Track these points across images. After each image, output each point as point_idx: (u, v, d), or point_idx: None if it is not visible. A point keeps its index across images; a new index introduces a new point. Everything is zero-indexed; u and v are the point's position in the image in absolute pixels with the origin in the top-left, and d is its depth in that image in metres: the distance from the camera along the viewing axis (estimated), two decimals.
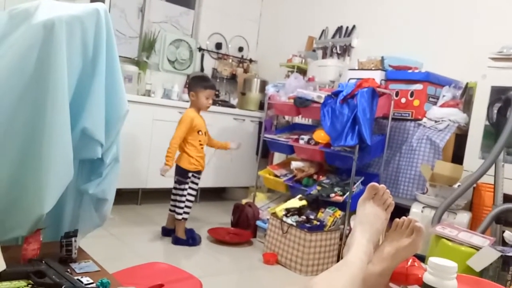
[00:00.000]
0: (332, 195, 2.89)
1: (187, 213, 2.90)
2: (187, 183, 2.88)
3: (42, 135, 1.16)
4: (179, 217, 2.86)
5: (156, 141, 3.55)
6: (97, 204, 1.43)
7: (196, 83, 2.91)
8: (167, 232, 2.94)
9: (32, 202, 1.19)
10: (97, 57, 1.27)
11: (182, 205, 2.87)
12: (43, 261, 1.10)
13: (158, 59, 4.20)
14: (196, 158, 2.86)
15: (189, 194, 2.90)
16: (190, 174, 2.87)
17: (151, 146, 3.57)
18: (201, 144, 2.89)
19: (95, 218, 1.45)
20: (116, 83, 1.35)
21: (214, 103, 4.04)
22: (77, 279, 1.09)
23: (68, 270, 1.14)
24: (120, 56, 1.40)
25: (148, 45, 4.07)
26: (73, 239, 1.22)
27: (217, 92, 4.52)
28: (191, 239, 2.84)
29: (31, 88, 1.16)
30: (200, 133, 2.88)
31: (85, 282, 1.09)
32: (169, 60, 4.27)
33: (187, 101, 3.98)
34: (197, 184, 2.94)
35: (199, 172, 2.92)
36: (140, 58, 4.03)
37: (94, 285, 1.08)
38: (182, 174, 2.86)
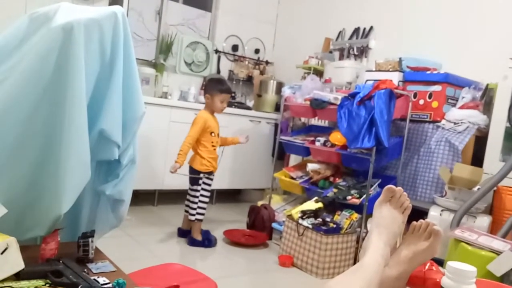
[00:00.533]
0: (349, 197, 2.87)
1: (201, 214, 2.91)
2: (200, 184, 2.89)
3: (61, 136, 1.18)
4: (192, 218, 2.88)
5: (172, 142, 3.58)
6: (114, 205, 1.44)
7: (212, 85, 2.92)
8: (183, 233, 2.96)
9: (50, 203, 1.21)
10: (114, 59, 1.29)
11: (195, 206, 2.88)
12: (61, 261, 1.11)
13: (175, 61, 4.24)
14: (208, 159, 2.87)
15: (202, 195, 2.90)
16: (202, 175, 2.88)
17: (168, 148, 3.60)
18: (213, 146, 2.90)
19: (112, 219, 1.47)
20: (133, 85, 1.36)
21: (230, 105, 4.05)
22: (94, 279, 1.10)
23: (85, 270, 1.16)
24: (137, 59, 1.41)
25: (165, 48, 4.10)
26: (90, 239, 1.23)
27: (233, 94, 4.53)
28: (207, 241, 2.84)
29: (50, 90, 1.19)
30: (212, 134, 2.89)
31: (101, 282, 1.10)
32: (185, 62, 4.30)
33: (204, 103, 4.00)
34: (209, 185, 2.93)
35: (211, 173, 2.92)
36: (157, 61, 4.07)
37: (110, 285, 1.09)
38: (193, 175, 2.88)
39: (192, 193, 2.90)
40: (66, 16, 1.21)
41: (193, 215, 2.88)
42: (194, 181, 2.89)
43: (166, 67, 4.12)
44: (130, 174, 1.43)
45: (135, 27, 4.01)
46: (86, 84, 1.22)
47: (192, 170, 2.87)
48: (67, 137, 1.18)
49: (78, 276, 1.06)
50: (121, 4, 3.78)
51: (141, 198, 3.70)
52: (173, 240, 2.93)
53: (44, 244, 1.15)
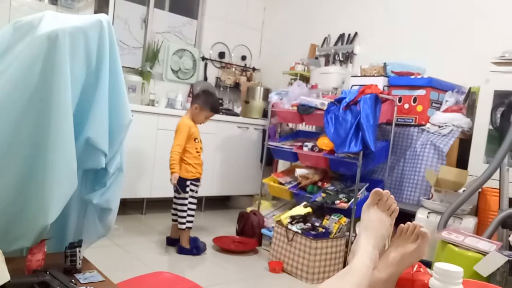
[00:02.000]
0: (337, 202, 2.88)
1: (191, 221, 2.88)
2: (187, 192, 2.86)
3: (46, 145, 1.17)
4: (183, 226, 2.85)
5: (160, 150, 3.56)
6: (101, 214, 1.43)
7: (205, 100, 2.92)
8: (171, 242, 2.94)
9: (36, 213, 1.19)
10: (100, 67, 1.29)
11: (184, 214, 2.86)
12: (48, 272, 1.10)
13: (161, 69, 4.23)
14: (193, 165, 2.87)
15: (190, 202, 2.88)
16: (188, 183, 2.86)
17: (155, 156, 3.58)
18: (198, 152, 2.91)
19: (100, 228, 1.45)
20: (119, 93, 1.36)
21: (218, 112, 4.05)
22: None
23: (73, 280, 1.14)
24: (123, 67, 1.41)
25: (151, 55, 4.10)
26: (77, 249, 1.22)
27: (220, 101, 4.54)
28: (195, 249, 2.83)
29: (36, 99, 1.18)
30: (196, 140, 2.90)
31: None
32: (172, 70, 4.30)
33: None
34: (196, 192, 2.93)
35: (197, 180, 2.91)
36: (143, 68, 4.06)
37: None
38: (180, 183, 2.83)
39: (180, 201, 2.87)
40: (51, 25, 1.20)
41: (183, 223, 2.85)
42: (181, 189, 2.86)
43: (153, 74, 4.11)
44: (118, 183, 1.42)
45: (121, 35, 4.00)
46: (72, 92, 1.21)
47: (179, 179, 2.84)
48: (53, 146, 1.17)
49: (66, 287, 1.05)
50: (107, 12, 3.77)
51: (129, 206, 3.67)
52: (162, 248, 2.90)
53: (31, 255, 1.14)
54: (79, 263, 1.22)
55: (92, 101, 1.28)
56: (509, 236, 1.70)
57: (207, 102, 2.91)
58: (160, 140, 3.59)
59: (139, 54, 4.16)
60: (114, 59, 1.33)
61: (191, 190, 2.88)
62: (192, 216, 2.90)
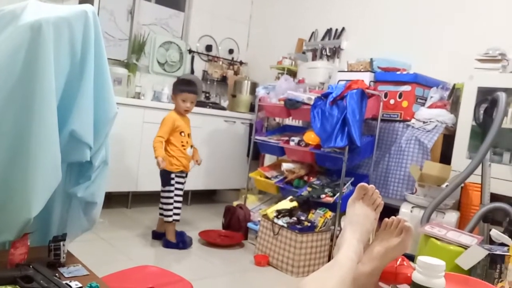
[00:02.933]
0: (323, 196, 2.90)
1: (177, 214, 2.88)
2: (172, 185, 2.85)
3: (29, 137, 1.15)
4: (169, 219, 2.84)
5: (146, 143, 3.53)
6: (86, 208, 1.42)
7: (174, 86, 2.92)
8: (157, 235, 2.92)
9: (19, 206, 1.17)
10: (85, 59, 1.27)
11: (170, 207, 2.85)
12: (31, 266, 1.08)
13: (148, 61, 4.19)
14: (178, 158, 2.85)
15: (176, 195, 2.87)
16: (173, 175, 2.85)
17: (141, 149, 3.55)
18: (183, 145, 2.87)
19: (84, 221, 1.44)
20: (104, 85, 1.34)
21: (205, 105, 4.04)
22: (66, 283, 1.08)
23: (57, 274, 1.13)
24: (109, 59, 1.39)
25: (137, 48, 4.05)
26: (61, 243, 1.21)
27: (207, 94, 4.52)
28: (182, 243, 2.82)
29: (18, 90, 1.15)
30: (182, 134, 2.87)
31: (74, 286, 1.08)
32: (159, 63, 4.26)
33: None
34: (182, 184, 2.91)
35: (182, 173, 2.89)
36: (129, 61, 4.01)
37: None
38: (165, 176, 2.84)
39: (166, 194, 2.86)
40: (34, 14, 1.18)
41: (170, 216, 2.84)
42: (166, 181, 2.85)
43: (139, 67, 4.07)
44: (103, 176, 1.40)
45: (107, 27, 3.94)
46: (56, 84, 1.19)
47: (163, 171, 2.84)
48: (37, 138, 1.15)
49: (49, 281, 1.04)
50: (92, 3, 3.71)
51: (114, 200, 3.64)
52: (148, 242, 2.89)
53: (13, 249, 1.12)
54: (63, 257, 1.21)
55: (76, 93, 1.26)
56: (490, 230, 1.74)
57: (176, 86, 2.91)
58: (146, 133, 3.56)
59: (124, 46, 4.11)
60: (99, 51, 1.31)
61: (177, 182, 2.87)
62: (179, 209, 2.89)
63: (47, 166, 1.18)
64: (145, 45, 4.10)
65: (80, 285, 1.09)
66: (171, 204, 2.85)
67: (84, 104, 1.27)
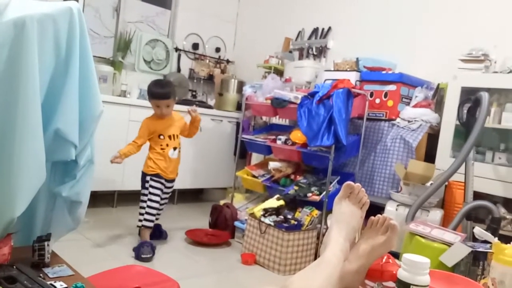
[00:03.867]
0: (309, 194, 2.92)
1: (148, 220, 2.72)
2: (146, 188, 2.73)
3: (13, 136, 1.13)
4: (139, 223, 2.72)
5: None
6: (71, 207, 1.40)
7: (147, 90, 2.81)
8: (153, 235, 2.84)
9: (2, 206, 1.15)
10: (70, 56, 1.25)
11: (142, 211, 2.72)
12: (14, 266, 1.07)
13: (133, 59, 4.15)
14: (154, 160, 2.74)
15: (149, 200, 2.72)
16: (148, 178, 2.73)
17: None
18: (162, 148, 2.76)
19: (69, 221, 1.42)
20: (90, 83, 1.33)
21: (191, 103, 4.01)
22: (50, 284, 1.06)
23: (41, 275, 1.12)
24: (94, 56, 1.38)
25: (123, 45, 4.01)
26: (46, 243, 1.19)
27: (194, 93, 4.49)
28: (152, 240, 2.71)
29: (2, 87, 1.13)
30: (161, 137, 2.76)
31: (58, 286, 1.07)
32: (145, 60, 4.23)
33: None
34: (158, 189, 2.74)
35: (159, 177, 2.74)
36: (115, 58, 3.97)
37: None
38: (141, 178, 2.78)
39: (141, 197, 2.76)
40: (18, 11, 1.16)
41: (140, 220, 2.73)
42: (141, 183, 2.78)
43: (125, 65, 4.03)
44: (88, 175, 1.39)
45: (92, 24, 3.89)
46: (41, 82, 1.17)
47: (141, 173, 2.78)
48: (21, 137, 1.14)
49: (34, 282, 1.03)
50: (77, 0, 3.65)
51: (99, 199, 3.60)
52: (134, 242, 2.86)
53: None
54: (48, 257, 1.20)
55: (61, 91, 1.24)
56: (473, 227, 1.77)
57: (148, 92, 2.80)
58: (131, 131, 3.50)
59: (110, 44, 4.06)
60: (84, 48, 1.30)
61: (151, 186, 2.73)
62: (152, 214, 2.73)
63: (31, 165, 1.16)
64: (131, 42, 4.07)
65: (65, 285, 1.07)
66: (144, 208, 2.73)
67: (69, 102, 1.26)
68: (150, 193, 2.74)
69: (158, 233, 2.87)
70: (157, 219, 2.83)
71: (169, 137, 2.80)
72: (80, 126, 1.29)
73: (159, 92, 2.74)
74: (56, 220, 1.40)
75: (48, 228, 1.39)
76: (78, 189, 1.36)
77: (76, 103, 1.28)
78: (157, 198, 2.76)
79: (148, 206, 2.73)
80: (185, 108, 3.78)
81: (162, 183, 2.77)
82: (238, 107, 4.21)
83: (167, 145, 2.79)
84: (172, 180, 2.87)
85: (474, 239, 2.02)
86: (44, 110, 1.19)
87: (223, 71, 4.67)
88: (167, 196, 2.90)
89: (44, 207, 1.39)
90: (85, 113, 1.31)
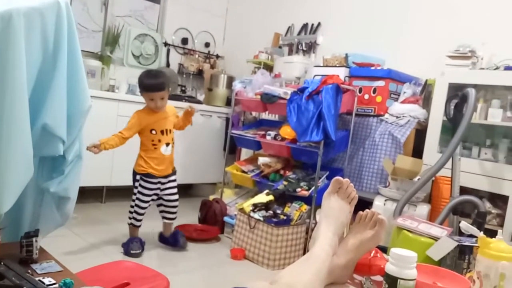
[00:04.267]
0: (298, 189, 2.94)
1: (136, 219, 2.64)
2: (136, 187, 2.65)
3: (0, 131, 1.12)
4: (128, 221, 2.66)
5: None
6: (59, 203, 1.38)
7: (139, 83, 2.63)
8: (163, 239, 2.80)
9: None
10: (58, 50, 1.23)
11: (131, 209, 2.66)
12: (2, 263, 1.06)
13: (122, 54, 4.11)
14: (145, 159, 2.62)
15: (137, 199, 2.63)
16: (138, 177, 2.64)
17: None
18: (154, 145, 2.62)
19: (57, 217, 1.41)
20: (78, 78, 1.31)
21: (180, 99, 4.00)
22: (39, 280, 1.05)
23: (29, 271, 1.11)
24: (82, 51, 1.36)
25: (111, 40, 3.97)
26: (33, 239, 1.18)
27: (183, 88, 4.47)
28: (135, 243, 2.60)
29: None
30: (153, 132, 2.61)
31: (47, 282, 1.06)
32: (133, 55, 4.19)
33: None
34: (148, 189, 2.63)
35: (148, 175, 2.62)
36: (103, 53, 3.93)
37: (56, 285, 1.05)
38: (132, 176, 2.69)
39: (133, 195, 2.69)
40: (4, 4, 1.14)
41: (129, 218, 2.68)
42: (132, 181, 2.71)
43: (113, 59, 3.99)
44: (76, 170, 1.38)
45: (80, 18, 3.84)
46: (28, 76, 1.15)
47: (133, 171, 2.69)
48: (8, 132, 1.12)
49: (22, 278, 1.02)
50: None
51: (87, 195, 3.57)
52: (123, 238, 2.85)
53: None
54: (36, 253, 1.18)
55: (49, 86, 1.23)
56: (459, 222, 1.80)
57: (139, 83, 2.62)
58: (120, 126, 3.43)
59: (98, 38, 4.02)
60: (72, 42, 1.28)
61: (140, 186, 2.63)
62: (139, 214, 2.65)
63: (18, 160, 1.15)
64: (119, 37, 4.03)
65: (53, 281, 1.07)
66: (132, 207, 2.66)
67: (57, 97, 1.24)
68: (139, 192, 2.64)
69: (173, 241, 2.74)
70: (171, 218, 2.73)
71: (162, 132, 2.64)
72: (68, 121, 1.28)
73: (152, 83, 2.55)
74: (44, 216, 1.39)
75: (36, 224, 1.37)
76: (66, 185, 1.35)
77: (64, 98, 1.26)
78: (146, 198, 2.66)
79: (136, 205, 2.65)
80: (174, 103, 3.78)
81: (154, 183, 2.65)
82: (228, 103, 4.21)
83: (159, 140, 2.63)
84: (170, 175, 2.73)
85: (460, 233, 2.05)
86: (31, 105, 1.18)
87: (212, 66, 4.65)
88: (171, 192, 2.74)
89: (32, 203, 1.37)
90: (73, 108, 1.30)
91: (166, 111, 2.70)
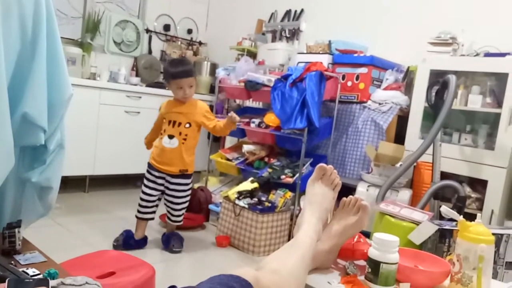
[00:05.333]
0: (283, 177, 2.95)
1: (139, 211, 2.57)
2: (146, 178, 2.58)
3: None
4: (136, 213, 2.60)
5: (102, 125, 3.44)
6: (41, 193, 1.37)
7: (165, 71, 2.59)
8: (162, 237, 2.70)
9: None
10: (36, 37, 1.20)
11: (139, 201, 2.59)
12: None
13: (103, 41, 4.03)
14: (154, 148, 2.57)
15: (142, 191, 2.58)
16: (147, 167, 2.59)
17: (98, 131, 3.45)
18: (161, 133, 2.54)
19: (39, 207, 1.39)
20: (58, 65, 1.28)
21: (163, 86, 3.94)
22: (22, 271, 1.04)
23: (12, 262, 1.09)
24: (62, 38, 1.33)
25: (92, 26, 3.88)
26: (16, 230, 1.17)
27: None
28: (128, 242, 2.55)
29: None
30: (164, 120, 2.55)
31: (31, 273, 1.05)
32: (115, 42, 4.11)
33: (135, 85, 3.87)
34: (150, 181, 2.55)
35: (150, 166, 2.55)
36: (84, 40, 3.85)
37: (41, 276, 1.04)
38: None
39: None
40: None
41: (137, 211, 2.62)
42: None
43: (94, 46, 3.91)
44: (58, 160, 1.36)
45: (58, 4, 3.74)
46: (6, 64, 1.12)
47: None
48: None
49: (5, 269, 1.01)
50: None
51: (70, 184, 3.53)
52: (107, 227, 2.84)
53: None
54: (19, 244, 1.17)
55: (28, 74, 1.20)
56: (440, 206, 1.84)
57: (166, 72, 2.57)
58: (102, 115, 3.45)
59: (78, 25, 3.92)
60: (51, 29, 1.25)
61: (144, 176, 2.57)
62: (141, 206, 2.57)
63: None
64: (100, 23, 3.94)
65: (37, 272, 1.06)
66: (141, 199, 2.58)
67: (37, 85, 1.21)
68: (142, 183, 2.59)
69: (165, 241, 2.62)
70: (172, 220, 2.62)
71: (170, 122, 2.51)
72: (49, 110, 1.26)
73: (181, 70, 2.45)
74: (26, 206, 1.37)
75: (18, 214, 1.35)
76: (48, 175, 1.33)
77: (44, 86, 1.24)
78: (147, 190, 2.56)
79: (140, 198, 2.58)
80: (155, 90, 3.74)
81: (155, 176, 2.55)
82: (211, 90, 4.18)
83: (165, 130, 2.52)
84: (177, 176, 2.54)
85: (441, 217, 2.09)
86: (10, 94, 1.15)
87: (195, 53, 4.60)
88: (175, 194, 2.56)
89: (13, 194, 1.35)
90: (53, 97, 1.27)
91: (194, 105, 2.55)
